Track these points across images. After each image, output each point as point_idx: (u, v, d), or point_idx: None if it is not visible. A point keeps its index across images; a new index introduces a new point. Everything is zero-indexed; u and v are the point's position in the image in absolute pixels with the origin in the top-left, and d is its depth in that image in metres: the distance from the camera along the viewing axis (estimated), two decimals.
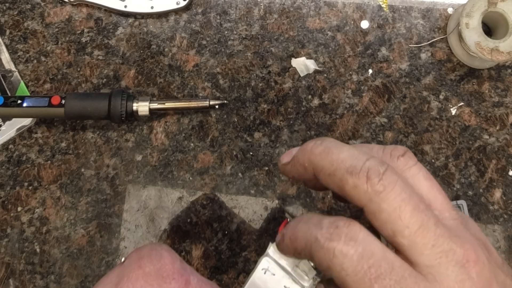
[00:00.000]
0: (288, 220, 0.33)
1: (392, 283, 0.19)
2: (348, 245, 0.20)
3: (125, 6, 0.46)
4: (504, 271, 0.21)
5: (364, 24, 0.46)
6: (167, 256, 0.28)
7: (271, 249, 0.30)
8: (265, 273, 0.29)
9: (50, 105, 0.41)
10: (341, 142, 0.24)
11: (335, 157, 0.22)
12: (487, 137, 0.43)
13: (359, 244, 0.20)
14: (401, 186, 0.21)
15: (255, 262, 0.41)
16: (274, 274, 0.28)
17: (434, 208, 0.22)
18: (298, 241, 0.23)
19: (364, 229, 0.21)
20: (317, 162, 0.23)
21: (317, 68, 0.45)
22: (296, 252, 0.24)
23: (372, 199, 0.21)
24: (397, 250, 0.21)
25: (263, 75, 0.45)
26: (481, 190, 0.42)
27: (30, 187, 0.43)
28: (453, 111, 0.44)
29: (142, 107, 0.42)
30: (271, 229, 0.42)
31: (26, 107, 0.41)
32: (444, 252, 0.20)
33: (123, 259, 0.28)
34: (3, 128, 0.44)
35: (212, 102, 0.43)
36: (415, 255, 0.20)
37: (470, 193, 0.42)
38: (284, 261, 0.28)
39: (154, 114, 0.44)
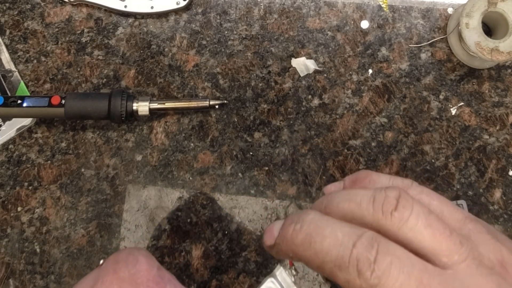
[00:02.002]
0: None
1: None
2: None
3: (125, 6, 0.46)
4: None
5: (364, 24, 0.46)
6: (143, 262, 0.27)
7: (279, 272, 0.29)
8: None
9: (50, 105, 0.41)
10: (321, 216, 0.21)
11: (318, 247, 0.20)
12: (487, 137, 0.43)
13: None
14: (397, 267, 0.19)
15: (255, 262, 0.41)
16: None
17: (441, 255, 0.20)
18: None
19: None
20: (301, 254, 0.21)
21: (317, 68, 0.45)
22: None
23: None
24: None
25: (263, 75, 0.45)
26: (481, 190, 0.42)
27: (30, 187, 0.43)
28: (453, 111, 0.44)
29: (142, 107, 0.42)
30: None
31: (26, 107, 0.41)
32: None
33: (101, 261, 0.28)
34: (3, 128, 0.44)
35: (212, 102, 0.43)
36: None
37: (470, 193, 0.42)
38: (289, 285, 0.27)
39: (154, 114, 0.44)
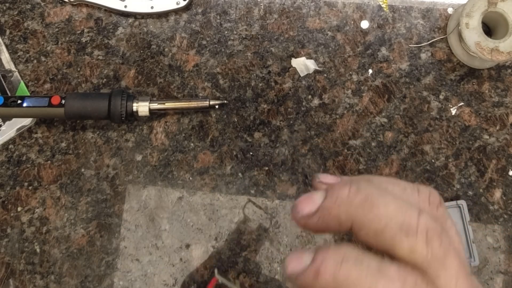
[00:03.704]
0: (218, 281, 0.33)
1: None
2: None
3: (125, 6, 0.46)
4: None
5: (364, 24, 0.46)
6: None
7: None
8: None
9: (50, 105, 0.41)
10: (374, 185, 0.20)
11: (382, 211, 0.19)
12: (487, 137, 0.43)
13: None
14: (455, 250, 0.19)
15: (255, 262, 0.41)
16: None
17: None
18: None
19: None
20: (360, 217, 0.19)
21: (317, 68, 0.45)
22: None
23: (431, 265, 0.18)
24: None
25: (263, 75, 0.45)
26: (481, 190, 0.42)
27: (30, 187, 0.43)
28: (453, 111, 0.44)
29: (142, 107, 0.42)
30: (271, 229, 0.42)
31: (26, 107, 0.41)
32: None
33: None
34: (3, 128, 0.44)
35: (212, 102, 0.43)
36: None
37: (470, 193, 0.42)
38: None
39: (154, 114, 0.44)
